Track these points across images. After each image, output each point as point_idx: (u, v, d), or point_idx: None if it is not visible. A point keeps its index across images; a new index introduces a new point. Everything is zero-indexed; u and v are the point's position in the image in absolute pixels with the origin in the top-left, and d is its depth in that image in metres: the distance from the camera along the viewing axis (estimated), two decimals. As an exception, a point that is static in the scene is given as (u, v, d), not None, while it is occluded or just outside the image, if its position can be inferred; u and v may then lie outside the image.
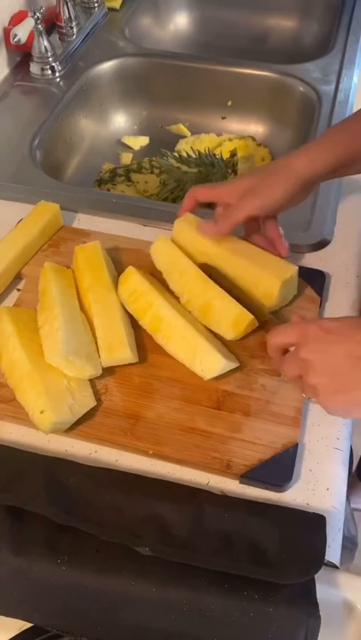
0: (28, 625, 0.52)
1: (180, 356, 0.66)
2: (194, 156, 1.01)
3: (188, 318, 0.67)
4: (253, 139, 1.12)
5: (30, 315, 0.69)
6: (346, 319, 0.54)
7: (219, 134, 1.14)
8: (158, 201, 0.98)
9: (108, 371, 0.66)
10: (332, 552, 0.55)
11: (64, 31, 1.15)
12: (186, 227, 0.73)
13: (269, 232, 0.72)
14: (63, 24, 1.14)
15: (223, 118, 1.17)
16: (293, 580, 0.51)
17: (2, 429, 0.63)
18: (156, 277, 0.73)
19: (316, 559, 0.52)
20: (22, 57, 1.12)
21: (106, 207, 0.86)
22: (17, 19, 1.05)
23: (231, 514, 0.55)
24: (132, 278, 0.70)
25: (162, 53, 1.19)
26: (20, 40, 1.01)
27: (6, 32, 1.05)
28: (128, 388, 0.65)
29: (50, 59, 1.08)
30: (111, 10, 1.26)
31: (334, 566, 0.55)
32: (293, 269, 0.69)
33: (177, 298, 0.71)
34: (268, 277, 0.68)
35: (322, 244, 0.80)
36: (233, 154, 1.03)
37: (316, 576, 0.51)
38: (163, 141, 1.13)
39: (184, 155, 1.02)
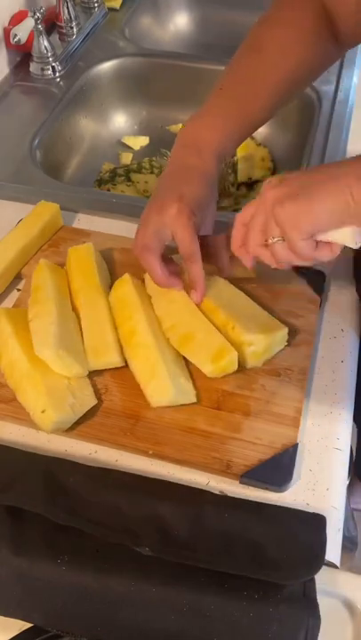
0: (28, 625, 0.52)
1: (138, 376, 0.64)
2: None
3: (160, 342, 0.65)
4: (253, 139, 1.12)
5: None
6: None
7: (219, 134, 1.14)
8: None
9: (109, 371, 0.66)
10: (332, 552, 0.55)
11: (64, 31, 1.14)
12: None
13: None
14: (63, 24, 1.14)
15: (223, 118, 1.16)
16: (293, 580, 0.51)
17: (2, 429, 0.63)
18: None
19: (316, 559, 0.52)
20: (22, 57, 1.12)
21: (106, 207, 0.86)
22: (17, 19, 1.05)
23: (231, 514, 0.55)
24: (125, 286, 0.70)
25: (162, 53, 1.20)
26: (20, 40, 1.01)
27: (6, 32, 1.05)
28: (128, 387, 0.65)
29: (50, 59, 1.08)
30: (111, 10, 1.26)
31: (334, 566, 0.55)
32: (279, 332, 0.66)
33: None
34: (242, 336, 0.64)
35: (322, 244, 0.80)
36: (233, 154, 1.03)
37: (316, 576, 0.51)
38: (163, 141, 1.13)
39: None
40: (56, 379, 0.63)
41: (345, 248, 0.56)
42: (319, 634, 0.50)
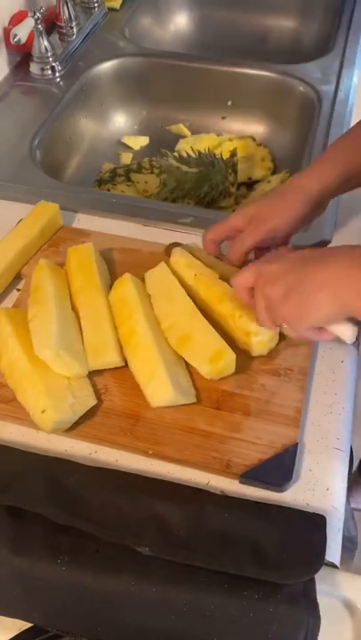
0: (28, 625, 0.52)
1: (138, 376, 0.64)
2: (194, 156, 1.01)
3: (160, 342, 0.65)
4: (253, 139, 1.12)
5: None
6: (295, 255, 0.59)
7: (219, 134, 1.14)
8: (158, 201, 0.98)
9: (109, 371, 0.66)
10: (332, 552, 0.55)
11: (64, 31, 1.14)
12: (182, 260, 0.73)
13: None
14: (63, 24, 1.14)
15: (223, 118, 1.17)
16: (293, 580, 0.51)
17: (2, 429, 0.63)
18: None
19: (316, 559, 0.52)
20: (22, 57, 1.12)
21: (106, 207, 0.86)
22: (17, 19, 1.05)
23: (231, 514, 0.55)
24: (125, 285, 0.70)
25: (162, 53, 1.20)
26: (20, 40, 1.01)
27: (6, 32, 1.05)
28: (128, 387, 0.65)
29: (50, 59, 1.08)
30: (111, 10, 1.26)
31: (334, 566, 0.55)
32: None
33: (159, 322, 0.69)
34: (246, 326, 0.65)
35: (322, 244, 0.80)
36: (233, 154, 1.03)
37: (316, 576, 0.51)
38: (163, 141, 1.13)
39: (184, 155, 1.02)
40: (56, 379, 0.63)
41: None
42: (319, 634, 0.50)
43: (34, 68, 1.08)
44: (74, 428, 0.61)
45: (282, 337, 0.68)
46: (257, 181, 1.06)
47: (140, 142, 1.15)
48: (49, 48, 1.07)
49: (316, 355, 0.69)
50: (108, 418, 0.62)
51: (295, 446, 0.60)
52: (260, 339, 0.65)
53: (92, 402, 0.63)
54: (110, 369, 0.66)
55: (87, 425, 0.62)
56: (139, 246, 0.79)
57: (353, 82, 1.06)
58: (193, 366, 0.65)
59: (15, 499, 0.54)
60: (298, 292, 0.56)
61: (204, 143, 1.11)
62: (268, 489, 0.58)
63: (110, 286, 0.73)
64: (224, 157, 1.03)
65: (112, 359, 0.65)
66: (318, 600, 0.51)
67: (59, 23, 1.14)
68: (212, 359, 0.63)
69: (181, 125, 1.16)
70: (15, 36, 1.01)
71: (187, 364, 0.66)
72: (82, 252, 0.74)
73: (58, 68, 1.09)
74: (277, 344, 0.67)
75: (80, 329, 0.68)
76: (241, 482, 0.59)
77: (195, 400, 0.63)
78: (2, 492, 0.55)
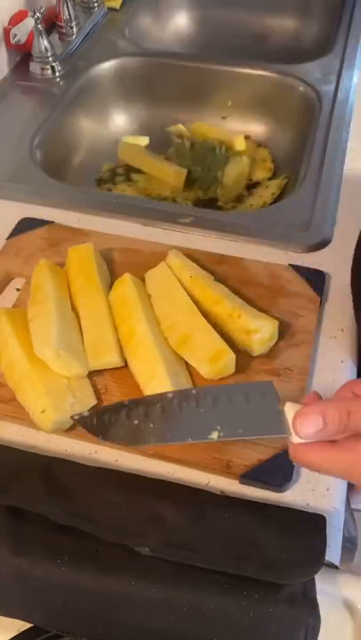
0: (28, 625, 0.52)
1: (137, 376, 0.64)
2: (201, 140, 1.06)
3: (159, 342, 0.65)
4: (254, 140, 1.12)
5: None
6: None
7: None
8: (158, 201, 0.98)
9: (109, 371, 0.66)
10: (332, 552, 0.55)
11: (64, 31, 1.14)
12: (177, 261, 0.73)
13: None
14: (63, 24, 1.13)
15: (223, 118, 1.17)
16: (293, 580, 0.51)
17: (2, 429, 0.63)
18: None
19: (316, 559, 0.52)
20: (22, 57, 1.12)
21: (106, 207, 0.86)
22: (17, 19, 1.05)
23: (231, 514, 0.55)
24: (125, 285, 0.70)
25: (162, 53, 1.20)
26: (19, 40, 1.01)
27: (6, 32, 1.05)
28: (128, 387, 0.65)
29: (50, 58, 1.07)
30: (111, 10, 1.26)
31: (334, 566, 0.55)
32: (276, 322, 0.66)
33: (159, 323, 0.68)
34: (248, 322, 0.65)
35: (322, 244, 0.80)
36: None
37: (316, 576, 0.51)
38: (163, 141, 1.13)
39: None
40: (56, 378, 0.62)
41: None
42: (319, 634, 0.50)
43: (34, 68, 1.08)
44: (74, 428, 0.61)
45: (282, 337, 0.68)
46: (258, 182, 1.05)
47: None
48: (49, 48, 1.07)
49: (317, 355, 0.69)
50: (108, 418, 0.62)
51: (295, 446, 0.60)
52: (260, 336, 0.65)
53: (93, 402, 0.63)
54: (110, 369, 0.66)
55: (87, 425, 0.62)
56: (139, 246, 0.79)
57: (353, 82, 1.06)
58: (193, 366, 0.65)
59: (15, 499, 0.54)
60: None
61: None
62: (268, 489, 0.58)
63: (110, 286, 0.73)
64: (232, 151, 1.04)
65: (112, 359, 0.65)
66: (318, 600, 0.51)
67: (59, 23, 1.14)
68: (212, 359, 0.63)
69: (181, 126, 1.16)
70: (15, 35, 1.01)
71: (186, 364, 0.66)
72: (82, 252, 0.74)
73: (58, 67, 1.09)
74: (277, 344, 0.67)
75: (80, 329, 0.68)
76: (241, 482, 0.59)
77: None
78: (2, 492, 0.55)
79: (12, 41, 1.02)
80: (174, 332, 0.66)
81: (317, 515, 0.55)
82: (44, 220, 0.82)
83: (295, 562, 0.51)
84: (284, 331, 0.69)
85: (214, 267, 0.76)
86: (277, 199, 0.99)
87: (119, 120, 1.18)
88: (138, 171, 1.05)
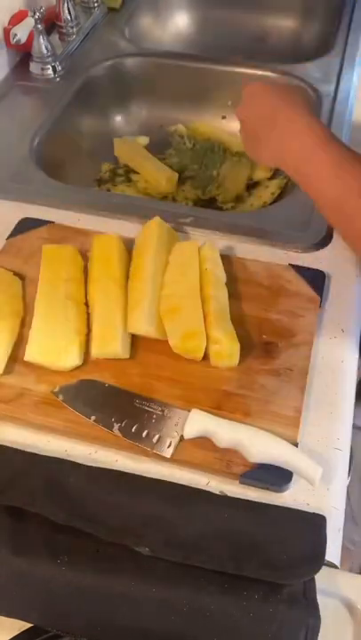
0: (28, 625, 0.52)
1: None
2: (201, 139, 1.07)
3: (154, 291, 0.69)
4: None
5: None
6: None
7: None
8: (158, 201, 0.98)
9: (109, 371, 0.66)
10: (332, 552, 0.55)
11: (64, 31, 1.14)
12: (209, 253, 0.74)
13: None
14: (63, 24, 1.14)
15: (223, 118, 1.17)
16: (293, 580, 0.51)
17: (2, 429, 0.63)
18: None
19: (316, 559, 0.52)
20: (22, 57, 1.12)
21: (106, 207, 0.86)
22: (17, 18, 1.05)
23: (231, 514, 0.55)
24: (151, 228, 0.75)
25: (162, 53, 1.19)
26: (19, 40, 1.01)
27: (6, 32, 1.04)
28: (128, 388, 0.65)
29: (50, 58, 1.07)
30: (111, 10, 1.25)
31: (334, 566, 0.55)
32: (232, 344, 0.65)
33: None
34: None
35: (322, 244, 0.80)
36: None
37: (316, 576, 0.51)
38: (163, 141, 1.13)
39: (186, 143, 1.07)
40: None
41: None
42: (319, 634, 0.50)
43: (34, 68, 1.08)
44: (74, 428, 0.61)
45: (282, 337, 0.68)
46: (258, 182, 1.05)
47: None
48: (49, 48, 1.07)
49: (317, 355, 0.69)
50: (108, 418, 0.62)
51: (295, 446, 0.60)
52: (218, 348, 0.65)
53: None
54: (112, 368, 0.66)
55: (87, 425, 0.62)
56: (139, 246, 0.79)
57: (353, 82, 1.06)
58: (200, 365, 0.66)
59: (15, 499, 0.54)
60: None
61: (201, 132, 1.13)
62: (268, 489, 0.58)
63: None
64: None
65: (116, 350, 0.66)
66: (318, 600, 0.51)
67: (59, 23, 1.14)
68: (185, 336, 0.65)
69: (181, 125, 1.16)
70: (15, 35, 1.01)
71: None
72: (105, 241, 0.76)
73: (58, 67, 1.09)
74: (277, 344, 0.68)
75: (86, 317, 0.70)
76: (241, 482, 0.59)
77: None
78: (2, 493, 0.55)
79: (12, 41, 1.02)
80: (169, 300, 0.68)
81: (317, 515, 0.55)
82: (44, 220, 0.82)
83: (295, 562, 0.51)
84: (284, 331, 0.69)
85: (214, 267, 0.76)
86: (277, 199, 0.99)
87: (119, 120, 1.18)
88: (138, 171, 1.05)
